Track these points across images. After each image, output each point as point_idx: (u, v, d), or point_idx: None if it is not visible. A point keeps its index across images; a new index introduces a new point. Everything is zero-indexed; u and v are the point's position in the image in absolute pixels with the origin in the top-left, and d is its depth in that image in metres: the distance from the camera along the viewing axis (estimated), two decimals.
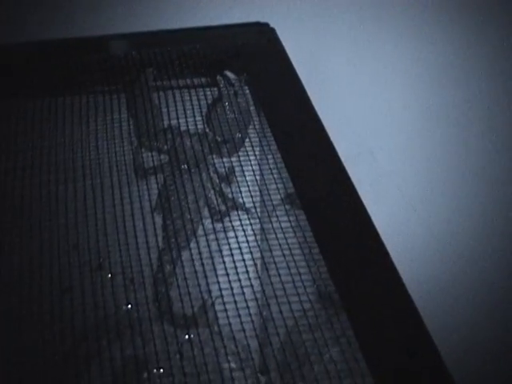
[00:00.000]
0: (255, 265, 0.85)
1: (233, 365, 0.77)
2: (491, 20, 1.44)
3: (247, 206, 0.95)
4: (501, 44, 1.46)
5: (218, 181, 1.00)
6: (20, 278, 0.84)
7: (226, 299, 0.80)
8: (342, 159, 0.99)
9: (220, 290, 0.82)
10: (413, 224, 1.53)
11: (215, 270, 0.84)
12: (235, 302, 0.80)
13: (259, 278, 0.84)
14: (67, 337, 0.78)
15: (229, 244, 0.87)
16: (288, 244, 0.87)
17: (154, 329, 0.80)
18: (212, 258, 0.86)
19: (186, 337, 0.80)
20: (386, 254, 0.86)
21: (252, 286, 0.82)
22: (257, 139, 1.04)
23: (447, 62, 1.46)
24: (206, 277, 0.83)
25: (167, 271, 0.91)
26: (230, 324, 0.79)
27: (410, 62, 1.45)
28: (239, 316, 0.79)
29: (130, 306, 0.82)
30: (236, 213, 0.95)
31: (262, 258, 0.87)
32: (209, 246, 0.88)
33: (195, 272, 0.85)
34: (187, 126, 1.05)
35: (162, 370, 0.76)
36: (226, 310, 0.80)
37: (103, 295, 0.83)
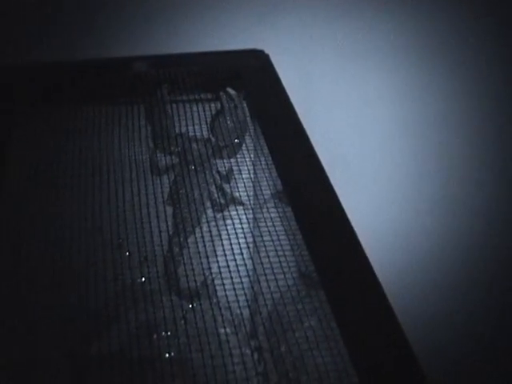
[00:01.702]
0: (248, 248, 0.85)
1: (228, 330, 0.77)
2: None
3: (242, 199, 0.94)
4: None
5: (218, 178, 1.00)
6: (53, 253, 0.84)
7: (223, 276, 0.80)
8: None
9: (219, 267, 0.81)
10: (380, 219, 1.53)
11: (215, 251, 0.84)
12: (231, 278, 0.80)
13: (251, 258, 0.83)
14: (91, 302, 0.78)
15: (227, 230, 0.87)
16: (276, 231, 0.87)
17: (163, 299, 0.79)
18: (213, 241, 0.85)
19: (190, 306, 0.79)
20: (357, 240, 0.85)
21: (246, 265, 0.82)
22: (252, 144, 1.04)
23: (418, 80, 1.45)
24: (207, 257, 0.83)
25: (175, 252, 0.90)
26: (226, 296, 0.78)
27: (387, 80, 1.44)
28: (234, 290, 0.79)
29: (143, 279, 0.81)
30: (233, 205, 0.94)
31: (254, 242, 0.87)
32: (210, 231, 0.88)
33: (198, 253, 0.84)
34: (194, 132, 1.05)
35: (169, 333, 0.75)
36: (223, 285, 0.79)
37: (122, 270, 0.82)
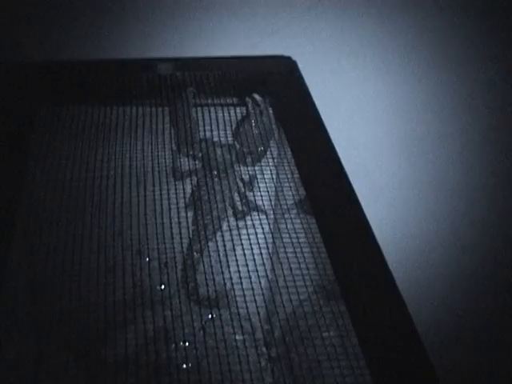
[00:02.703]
0: (270, 257, 0.83)
1: (246, 340, 0.76)
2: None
3: (265, 208, 0.93)
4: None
5: (241, 185, 0.98)
6: (72, 255, 0.83)
7: (244, 286, 0.79)
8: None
9: (239, 277, 0.80)
10: (404, 229, 1.51)
11: (236, 260, 0.82)
12: (252, 288, 0.79)
13: (273, 269, 0.82)
14: (109, 306, 0.77)
15: (249, 239, 0.86)
16: (298, 241, 0.85)
17: (182, 307, 0.78)
18: (234, 249, 0.84)
19: (209, 316, 0.78)
20: (380, 253, 0.84)
21: (267, 276, 0.80)
22: (276, 151, 1.03)
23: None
24: (228, 265, 0.82)
25: (195, 259, 0.89)
26: (246, 306, 0.77)
27: (410, 90, 1.43)
28: (254, 300, 0.77)
29: (163, 286, 0.80)
30: (255, 213, 0.93)
31: (276, 251, 0.85)
32: (231, 239, 0.86)
33: (219, 261, 0.83)
34: (219, 137, 1.04)
35: (187, 344, 0.74)
36: (243, 295, 0.78)
37: (141, 275, 0.82)
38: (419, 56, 1.41)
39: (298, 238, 0.85)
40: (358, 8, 1.37)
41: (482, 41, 1.41)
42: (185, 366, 0.73)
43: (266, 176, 0.97)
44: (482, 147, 1.49)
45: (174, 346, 0.73)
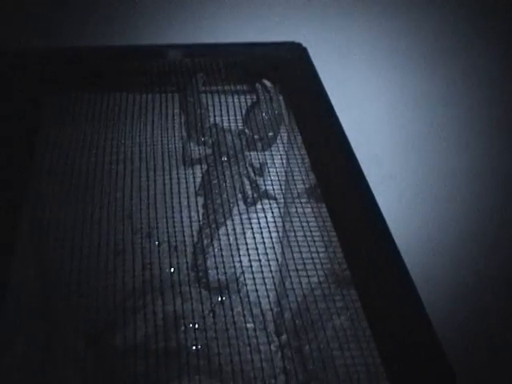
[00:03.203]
0: (280, 242, 0.83)
1: (256, 325, 0.75)
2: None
3: (275, 193, 0.92)
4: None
5: (251, 171, 0.98)
6: (81, 239, 0.83)
7: (254, 270, 0.78)
8: None
9: (249, 261, 0.80)
10: (414, 216, 1.50)
11: (246, 244, 0.82)
12: (261, 272, 0.78)
13: (283, 253, 0.81)
14: (118, 291, 0.77)
15: (258, 224, 0.85)
16: (309, 227, 0.85)
17: (192, 291, 0.77)
18: (244, 234, 0.84)
19: (219, 299, 0.78)
20: (391, 239, 0.83)
21: (276, 259, 0.80)
22: (286, 138, 1.02)
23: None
24: (238, 250, 0.81)
25: (205, 244, 0.89)
26: (256, 291, 0.77)
27: (421, 77, 1.42)
28: (264, 285, 0.77)
29: (172, 269, 0.80)
30: (265, 199, 0.93)
31: (286, 237, 0.85)
32: (241, 224, 0.86)
33: (229, 245, 0.83)
34: (229, 124, 1.03)
35: (196, 326, 0.74)
36: (253, 279, 0.77)
37: (150, 259, 0.81)
38: (432, 43, 1.40)
39: (308, 223, 0.85)
40: None
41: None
42: (194, 348, 0.72)
43: (276, 162, 0.97)
44: (494, 134, 1.48)
45: (183, 328, 0.73)
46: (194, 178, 0.93)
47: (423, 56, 1.42)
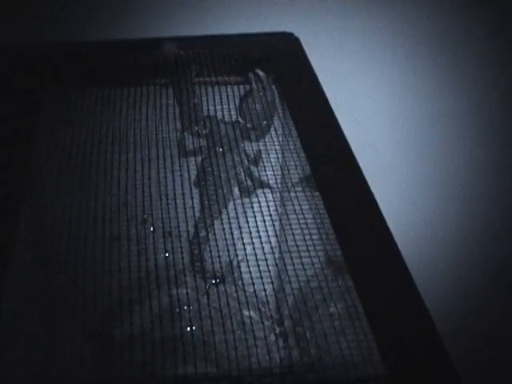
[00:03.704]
0: (275, 232, 0.83)
1: (253, 314, 0.76)
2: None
3: (270, 183, 0.92)
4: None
5: (246, 161, 0.98)
6: (78, 227, 0.84)
7: (249, 259, 0.78)
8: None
9: (245, 251, 0.80)
10: (410, 206, 1.51)
11: (241, 234, 0.82)
12: (257, 261, 0.78)
13: (278, 242, 0.82)
14: (114, 275, 0.77)
15: (254, 214, 0.85)
16: (304, 216, 0.85)
17: (188, 280, 0.78)
18: (239, 224, 0.84)
19: (213, 282, 0.79)
20: (386, 226, 0.83)
21: (272, 249, 0.80)
22: (280, 127, 1.02)
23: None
24: (233, 239, 0.82)
25: (201, 233, 0.89)
26: (252, 280, 0.77)
27: (414, 67, 1.42)
28: (260, 274, 0.78)
29: (167, 254, 0.80)
30: (261, 188, 0.93)
31: (281, 226, 0.85)
32: (237, 214, 0.87)
33: (224, 235, 0.83)
34: (223, 114, 1.04)
35: (191, 308, 0.74)
36: (249, 268, 0.78)
37: (145, 244, 0.82)
38: (428, 34, 1.40)
39: (303, 213, 0.85)
40: None
41: None
42: (188, 329, 0.73)
43: (270, 151, 0.97)
44: (494, 126, 1.48)
45: (178, 315, 0.73)
46: (189, 168, 0.94)
47: (420, 45, 1.42)
